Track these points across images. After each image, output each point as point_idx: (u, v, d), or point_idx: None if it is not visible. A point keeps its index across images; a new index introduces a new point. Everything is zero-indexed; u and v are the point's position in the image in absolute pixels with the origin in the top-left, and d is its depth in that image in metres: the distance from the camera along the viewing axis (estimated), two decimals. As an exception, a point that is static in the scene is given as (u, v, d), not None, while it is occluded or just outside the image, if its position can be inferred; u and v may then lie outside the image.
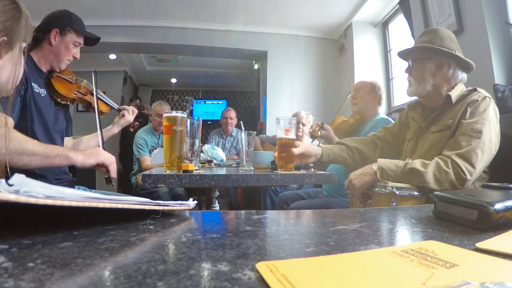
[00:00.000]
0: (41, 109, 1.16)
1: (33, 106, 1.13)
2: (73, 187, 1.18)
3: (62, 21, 1.25)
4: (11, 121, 1.00)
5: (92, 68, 1.35)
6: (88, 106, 1.37)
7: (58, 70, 1.27)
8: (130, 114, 1.45)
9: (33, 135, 1.12)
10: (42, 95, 1.20)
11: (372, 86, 1.83)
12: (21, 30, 0.68)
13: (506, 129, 1.09)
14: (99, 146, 1.21)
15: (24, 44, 0.70)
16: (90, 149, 1.15)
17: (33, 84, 1.14)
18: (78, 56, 1.30)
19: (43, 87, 1.22)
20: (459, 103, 1.10)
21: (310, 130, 1.80)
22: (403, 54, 1.26)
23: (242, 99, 6.48)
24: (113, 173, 1.09)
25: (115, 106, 1.47)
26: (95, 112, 1.27)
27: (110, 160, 1.08)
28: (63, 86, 1.28)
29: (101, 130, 1.26)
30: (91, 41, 1.34)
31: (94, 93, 1.30)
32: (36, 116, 1.13)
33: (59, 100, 1.27)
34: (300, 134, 2.48)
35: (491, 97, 1.08)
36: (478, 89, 1.10)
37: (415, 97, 1.26)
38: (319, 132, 1.73)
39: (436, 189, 0.99)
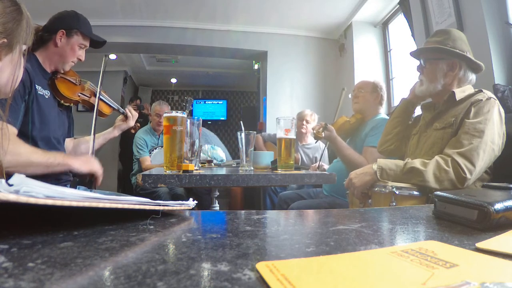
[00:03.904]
0: (44, 111, 1.15)
1: (36, 108, 1.11)
2: (75, 188, 1.18)
3: (69, 23, 1.23)
4: (14, 130, 1.00)
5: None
6: (91, 108, 1.35)
7: (62, 72, 1.26)
8: (132, 119, 1.46)
9: (33, 139, 1.11)
10: (46, 96, 1.18)
11: (374, 86, 1.84)
12: (22, 33, 0.67)
13: (506, 129, 1.09)
14: (91, 151, 1.27)
15: (24, 47, 0.70)
16: (85, 156, 1.19)
17: (37, 86, 1.13)
18: (83, 58, 1.28)
19: (47, 88, 1.20)
20: (463, 102, 1.11)
21: (314, 131, 1.80)
22: (416, 54, 1.26)
23: (242, 99, 6.47)
24: (99, 182, 1.17)
25: (120, 108, 1.46)
26: (95, 112, 1.28)
27: (100, 171, 1.15)
28: (66, 87, 1.26)
29: (94, 136, 1.27)
30: (97, 43, 1.33)
31: (98, 88, 1.30)
32: (37, 119, 1.12)
33: (62, 101, 1.26)
34: (303, 131, 2.46)
35: (496, 98, 1.08)
36: (484, 90, 1.11)
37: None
38: (323, 133, 1.73)
39: (436, 188, 1.00)
